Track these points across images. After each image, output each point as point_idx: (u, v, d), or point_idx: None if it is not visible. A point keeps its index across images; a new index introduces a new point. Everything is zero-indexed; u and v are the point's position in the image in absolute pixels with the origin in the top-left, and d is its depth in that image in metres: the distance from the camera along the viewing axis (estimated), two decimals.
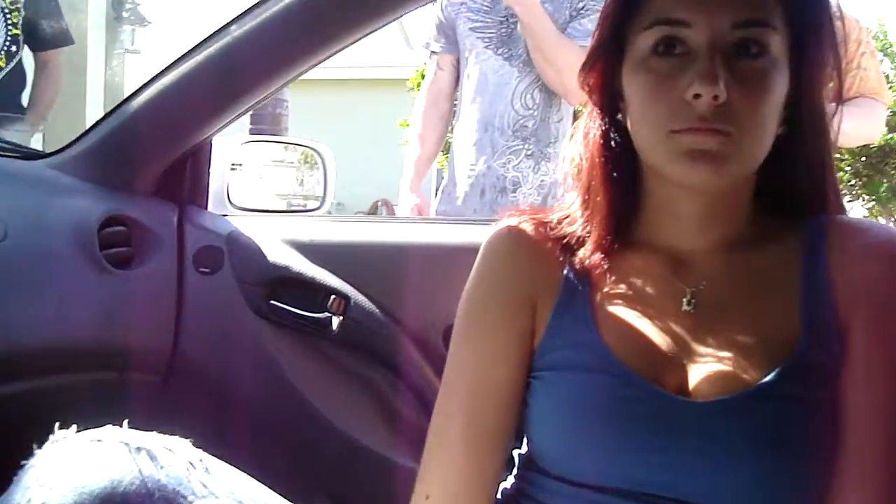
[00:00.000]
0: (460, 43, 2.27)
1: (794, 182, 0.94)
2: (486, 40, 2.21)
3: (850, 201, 8.53)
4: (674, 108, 0.85)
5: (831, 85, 0.95)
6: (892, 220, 9.37)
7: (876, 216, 9.28)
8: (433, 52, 2.35)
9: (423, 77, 2.73)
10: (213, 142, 1.41)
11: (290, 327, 1.33)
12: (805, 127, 0.91)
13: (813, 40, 0.90)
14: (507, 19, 2.19)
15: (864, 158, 8.14)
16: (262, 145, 2.20)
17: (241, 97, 1.25)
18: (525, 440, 0.98)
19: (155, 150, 1.35)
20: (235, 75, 1.22)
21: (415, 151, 2.38)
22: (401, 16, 1.14)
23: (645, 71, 0.89)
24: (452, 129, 2.41)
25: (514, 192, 2.18)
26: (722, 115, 0.83)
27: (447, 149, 2.85)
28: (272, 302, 1.32)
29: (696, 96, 0.83)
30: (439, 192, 2.35)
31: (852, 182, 8.45)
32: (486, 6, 2.22)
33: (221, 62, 1.22)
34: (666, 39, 0.87)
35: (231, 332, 1.34)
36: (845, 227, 0.92)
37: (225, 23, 1.21)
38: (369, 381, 1.33)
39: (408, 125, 2.70)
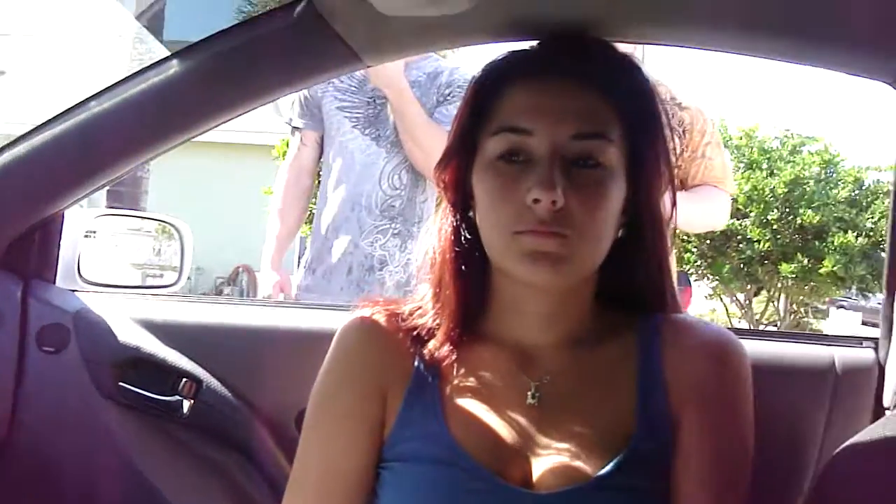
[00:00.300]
0: (326, 121, 2.29)
1: (633, 282, 1.01)
2: (354, 120, 2.25)
3: (696, 280, 9.03)
4: (517, 210, 0.90)
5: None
6: (734, 298, 9.98)
7: (720, 294, 9.87)
8: (296, 129, 2.37)
9: (288, 146, 2.73)
10: (64, 213, 1.36)
11: (139, 410, 1.29)
12: (644, 232, 0.98)
13: (648, 151, 0.97)
14: (375, 100, 2.24)
15: (708, 241, 8.67)
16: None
17: (98, 173, 1.23)
18: None
19: (1, 221, 1.30)
20: (92, 151, 1.20)
21: (275, 227, 2.37)
22: (261, 105, 1.16)
23: (492, 174, 0.94)
24: (315, 200, 2.42)
25: (381, 270, 2.20)
26: (560, 219, 0.89)
27: (309, 219, 2.85)
28: (121, 383, 1.28)
29: (536, 201, 0.88)
30: (303, 268, 2.33)
31: (698, 263, 8.96)
32: (354, 87, 2.26)
33: (79, 137, 1.19)
34: (511, 147, 0.92)
35: (75, 415, 1.29)
36: (678, 326, 0.99)
37: (84, 98, 1.19)
38: (221, 465, 1.30)
39: (271, 192, 2.68)
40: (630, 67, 0.99)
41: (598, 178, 0.92)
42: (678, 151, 2.13)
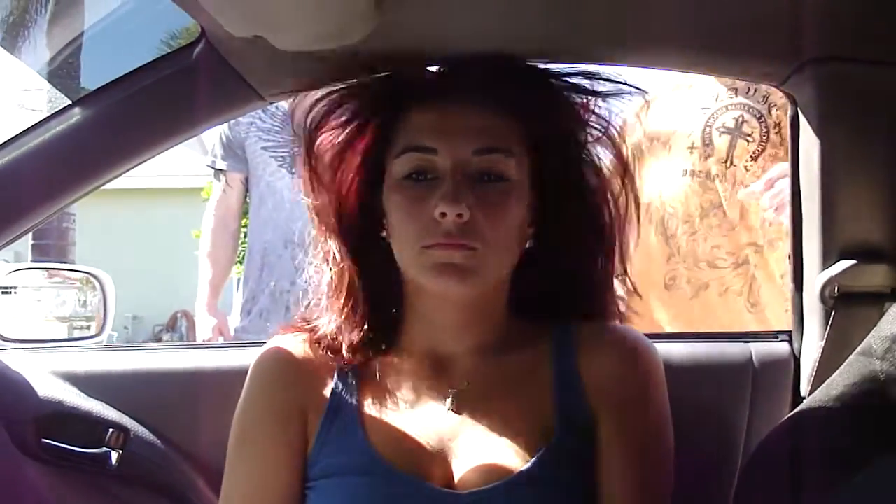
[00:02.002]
0: (251, 161, 2.30)
1: (546, 290, 1.04)
2: (280, 159, 2.26)
3: None
4: (424, 225, 0.93)
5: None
6: None
7: None
8: (220, 171, 2.36)
9: None
10: None
11: (65, 465, 1.25)
12: (551, 241, 1.02)
13: (554, 162, 1.01)
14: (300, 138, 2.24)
15: None
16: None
17: (5, 228, 1.19)
18: None
19: None
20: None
21: (207, 272, 2.36)
22: (169, 148, 1.15)
23: (400, 193, 0.97)
24: (244, 240, 2.41)
25: None
26: (467, 231, 0.92)
27: (240, 259, 2.84)
28: (44, 440, 1.25)
29: (443, 214, 0.91)
30: (240, 311, 2.32)
31: None
32: (277, 126, 2.27)
33: None
34: (417, 165, 0.96)
35: None
36: (591, 330, 1.03)
37: None
38: None
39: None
40: (535, 83, 1.02)
41: (501, 191, 0.96)
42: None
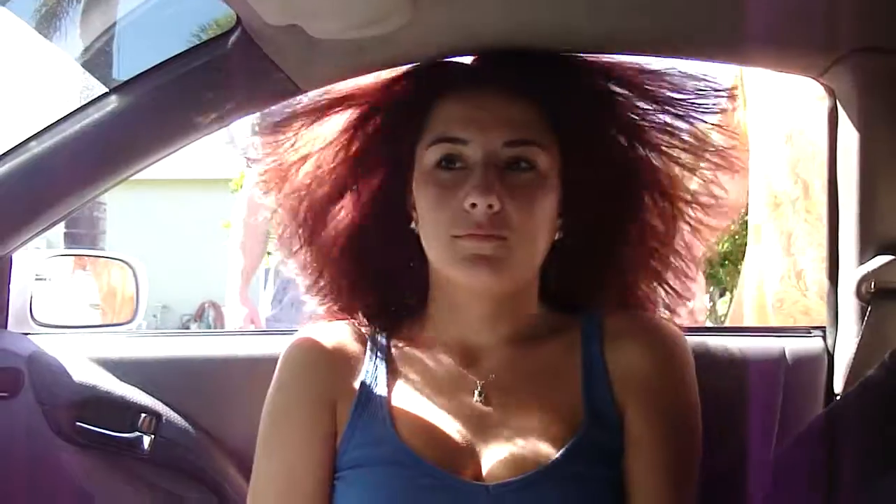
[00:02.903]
0: None
1: (575, 280, 1.05)
2: None
3: None
4: (455, 215, 0.93)
5: None
6: None
7: None
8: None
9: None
10: (12, 257, 1.35)
11: (98, 449, 1.27)
12: (579, 233, 1.01)
13: (581, 156, 1.00)
14: None
15: None
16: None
17: (42, 214, 1.21)
18: None
19: None
20: (35, 193, 1.19)
21: (239, 262, 2.38)
22: (203, 136, 1.16)
23: (430, 182, 0.97)
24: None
25: None
26: (498, 222, 0.92)
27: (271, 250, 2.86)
28: (79, 424, 1.26)
29: (473, 205, 0.91)
30: (272, 300, 2.33)
31: None
32: None
33: (19, 179, 1.18)
34: (447, 155, 0.96)
35: (32, 459, 1.26)
36: (619, 320, 1.02)
37: (23, 139, 1.18)
38: (185, 501, 1.29)
39: (230, 226, 2.68)
40: (568, 75, 1.02)
41: (531, 181, 0.96)
42: None
